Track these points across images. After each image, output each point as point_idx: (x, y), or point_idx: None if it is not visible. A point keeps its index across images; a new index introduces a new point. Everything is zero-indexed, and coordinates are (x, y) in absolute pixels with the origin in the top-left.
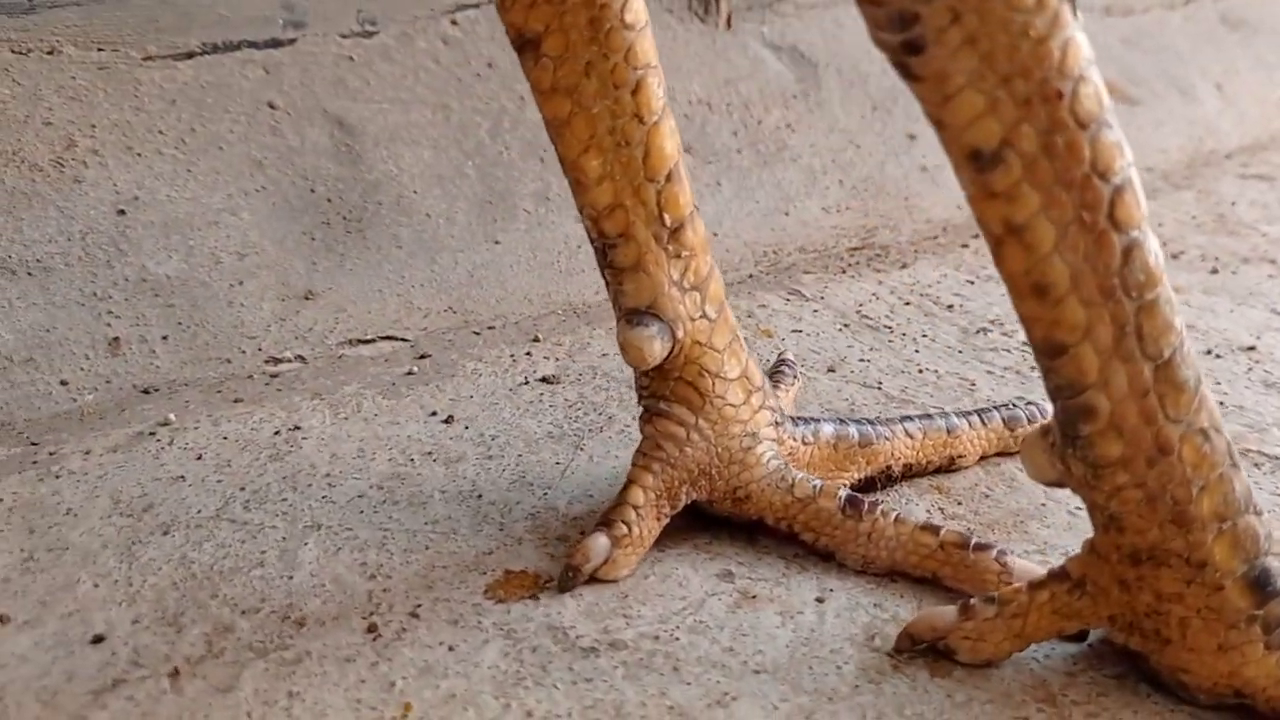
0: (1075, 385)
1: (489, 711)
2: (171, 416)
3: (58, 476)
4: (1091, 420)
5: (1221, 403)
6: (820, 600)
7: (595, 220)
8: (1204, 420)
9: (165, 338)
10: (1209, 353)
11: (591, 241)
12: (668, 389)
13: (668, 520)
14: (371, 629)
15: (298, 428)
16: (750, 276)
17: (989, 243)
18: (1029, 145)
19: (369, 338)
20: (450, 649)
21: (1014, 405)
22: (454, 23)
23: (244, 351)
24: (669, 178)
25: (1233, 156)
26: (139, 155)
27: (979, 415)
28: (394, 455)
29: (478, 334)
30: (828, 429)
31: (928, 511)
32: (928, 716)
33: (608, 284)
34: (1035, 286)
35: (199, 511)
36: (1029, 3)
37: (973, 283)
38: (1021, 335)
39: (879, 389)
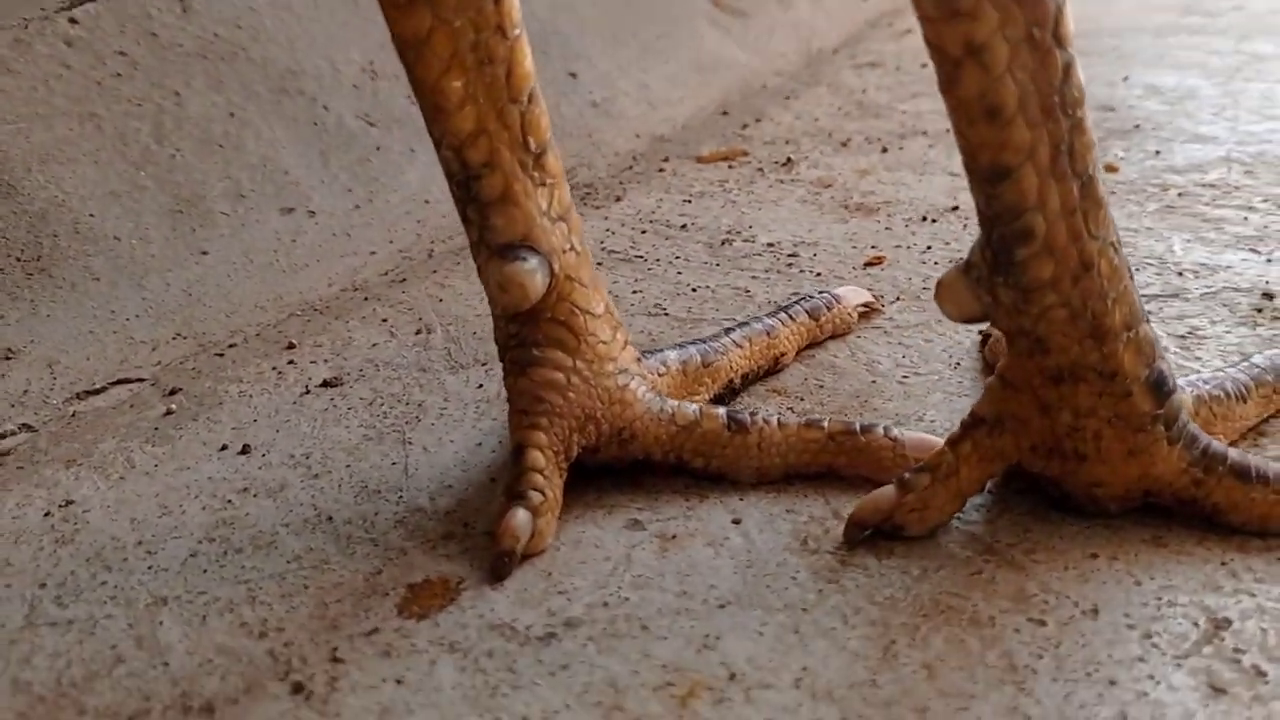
0: (1016, 208)
1: None
2: None
3: None
4: (1028, 242)
5: (955, 258)
6: (737, 521)
7: (457, 150)
8: (1113, 234)
9: None
10: (924, 219)
11: (450, 176)
12: (540, 333)
13: (565, 475)
14: (297, 689)
15: (70, 502)
16: None
17: (945, 69)
18: None
19: (99, 386)
20: (398, 682)
21: (810, 297)
22: (73, 21)
23: None
24: (531, 97)
25: (839, 51)
26: None
27: (785, 312)
28: (205, 502)
29: (221, 355)
30: (673, 356)
31: (779, 414)
32: (898, 597)
33: (470, 222)
34: (988, 109)
35: (3, 626)
36: None
37: (689, 201)
38: (762, 238)
39: (666, 314)
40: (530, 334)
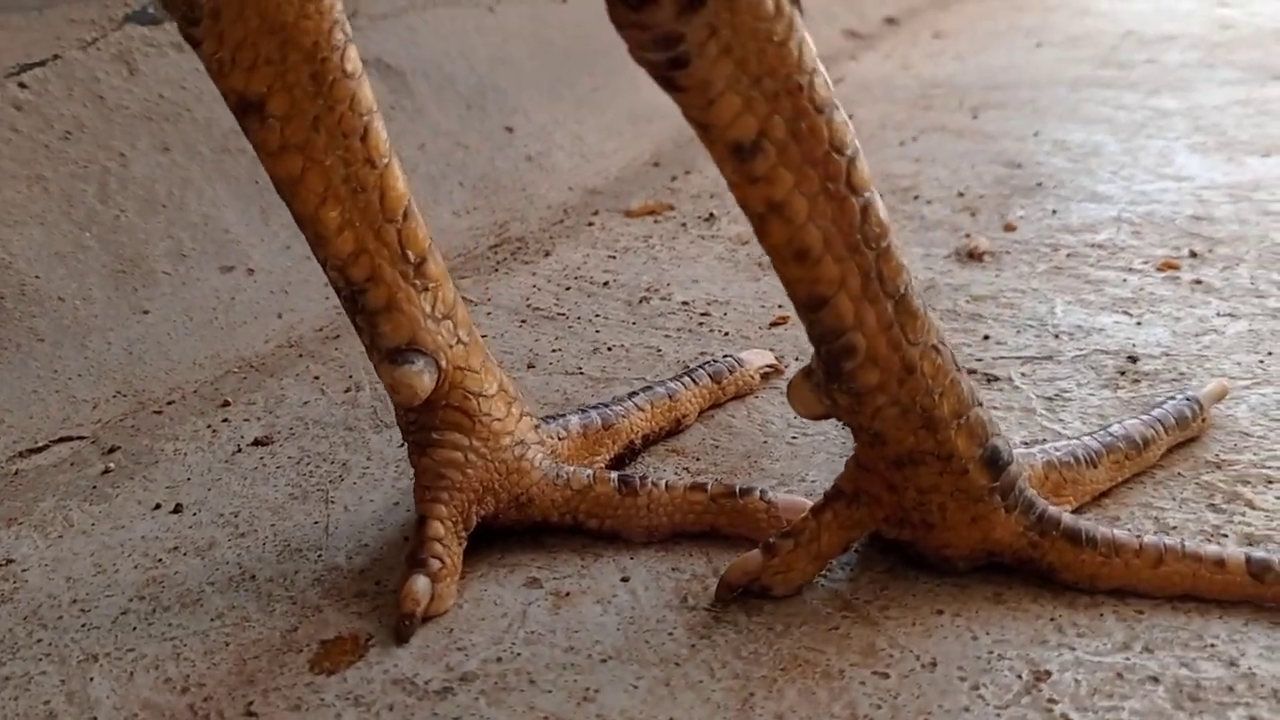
0: (836, 330)
1: None
2: None
3: None
4: (852, 357)
5: None
6: (625, 579)
7: (341, 269)
8: (933, 338)
9: None
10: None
11: (338, 291)
12: (437, 419)
13: (465, 542)
14: None
15: (9, 561)
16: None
17: (752, 221)
18: (780, 133)
19: (41, 444)
20: None
21: (714, 361)
22: (22, 85)
23: None
24: (405, 215)
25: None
26: None
27: (689, 376)
28: (138, 561)
29: (159, 412)
30: (574, 420)
31: (675, 473)
32: (761, 651)
33: (361, 330)
34: (796, 253)
35: None
36: (770, 11)
37: (614, 257)
38: (679, 296)
39: (581, 374)
40: (428, 419)
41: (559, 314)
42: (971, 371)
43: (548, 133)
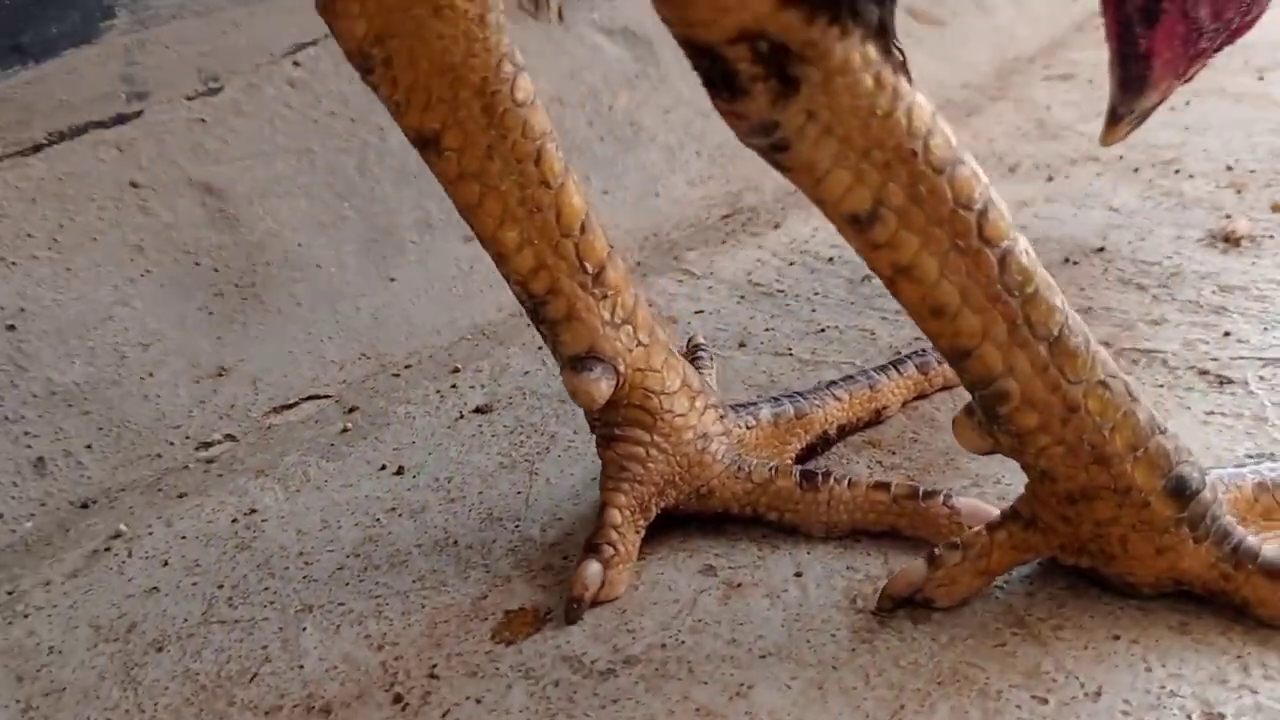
0: (986, 378)
1: None
2: (122, 527)
3: (26, 615)
4: (1006, 401)
5: (1089, 308)
6: (798, 575)
7: (522, 284)
8: (1099, 373)
9: (89, 446)
10: (1066, 260)
11: (522, 302)
12: (619, 416)
13: (644, 532)
14: (397, 699)
15: (253, 511)
16: (639, 264)
17: (883, 282)
18: (898, 200)
19: (292, 401)
20: (477, 701)
21: (924, 352)
22: (296, 64)
23: (172, 443)
24: (583, 229)
25: (1035, 60)
26: (14, 265)
27: (894, 366)
28: (359, 519)
29: (397, 375)
30: (765, 410)
31: (868, 467)
32: (921, 662)
33: (545, 337)
34: (932, 310)
35: (184, 620)
36: (869, 88)
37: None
38: None
39: (790, 355)
40: (611, 417)
41: (778, 290)
42: (1203, 373)
43: (617, 173)
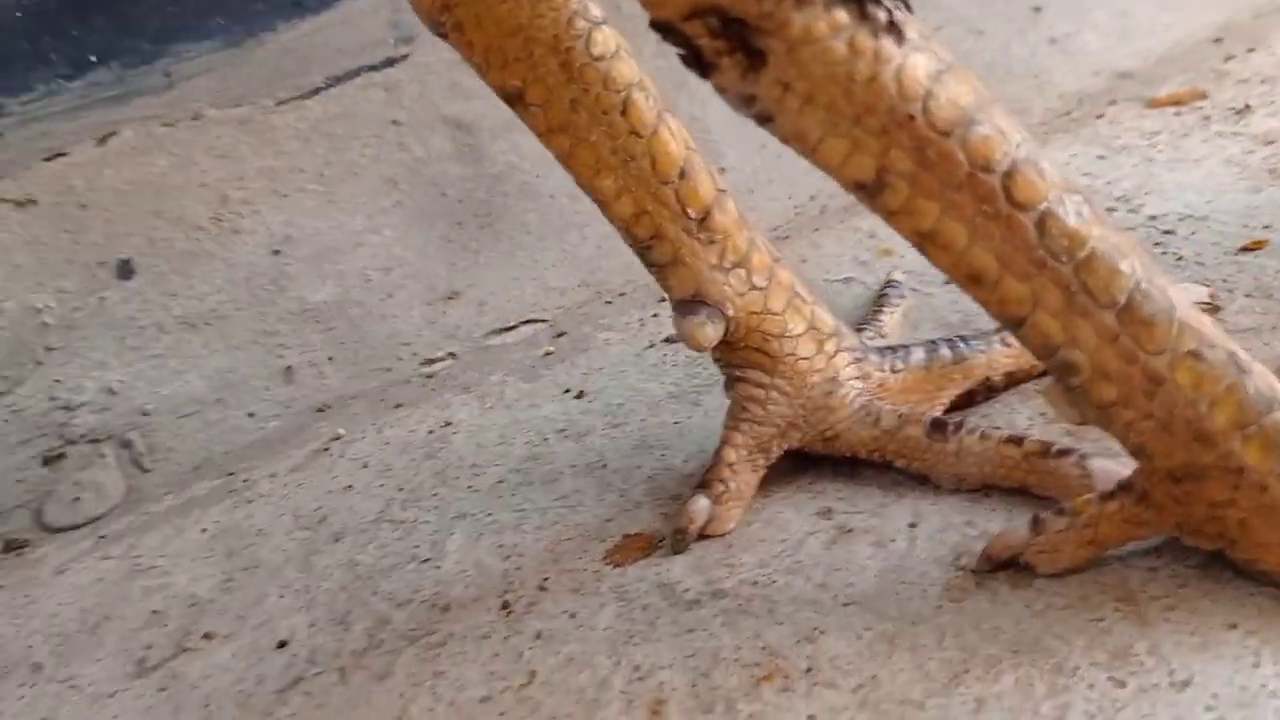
0: (1047, 347)
1: (601, 670)
2: (342, 430)
3: (250, 501)
4: (1075, 373)
5: None
6: (913, 525)
7: (627, 229)
8: (1190, 343)
9: (331, 359)
10: None
11: (630, 246)
12: (739, 358)
13: (764, 471)
14: (505, 606)
15: (449, 424)
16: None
17: (916, 247)
18: (905, 165)
19: (511, 324)
20: (571, 616)
21: None
22: None
23: (401, 358)
24: (682, 175)
25: None
26: (285, 196)
27: None
28: (531, 438)
29: (610, 303)
30: (918, 354)
31: (1029, 419)
32: (1004, 628)
33: (657, 280)
34: (969, 277)
35: (364, 517)
36: (842, 54)
37: (1104, 157)
38: (1151, 208)
39: None
40: (731, 359)
41: None
42: None
43: (1084, 9)
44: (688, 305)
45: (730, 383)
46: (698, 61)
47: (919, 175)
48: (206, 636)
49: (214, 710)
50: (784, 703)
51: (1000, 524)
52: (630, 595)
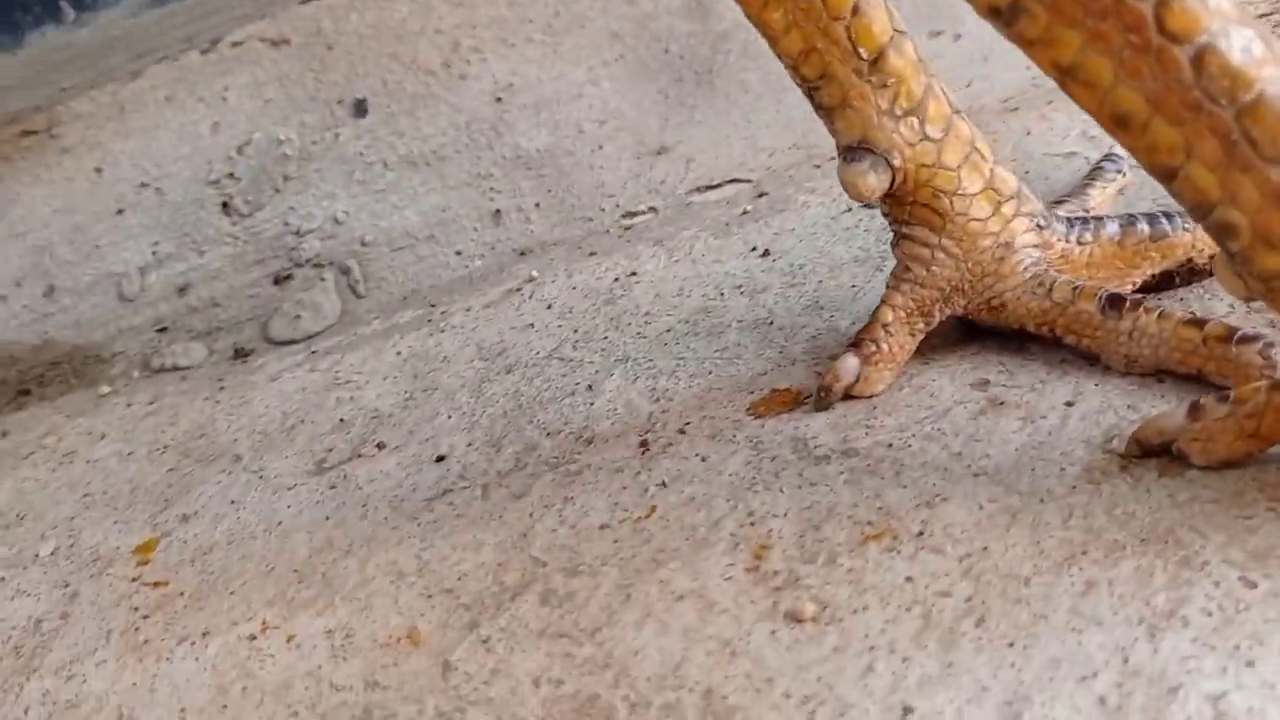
0: (1202, 205)
1: (717, 512)
2: (535, 273)
3: (442, 331)
4: (1235, 237)
5: None
6: (1070, 404)
7: (794, 67)
8: None
9: (538, 205)
10: None
11: (799, 86)
12: (906, 213)
13: (922, 335)
14: (644, 444)
15: (634, 274)
16: None
17: (1058, 85)
18: None
19: (715, 183)
20: (703, 459)
21: None
22: None
23: (603, 209)
24: (855, 10)
25: None
26: (513, 46)
27: None
28: (708, 291)
29: (818, 167)
30: (1111, 227)
31: (1231, 306)
32: (1139, 515)
33: (825, 124)
34: (1115, 119)
35: (537, 353)
36: None
37: None
38: None
39: None
40: (899, 214)
41: None
42: None
43: None
44: (853, 151)
45: (897, 239)
46: None
47: (1061, 1)
48: (379, 445)
49: (369, 510)
50: (886, 561)
51: (1163, 410)
52: (763, 445)
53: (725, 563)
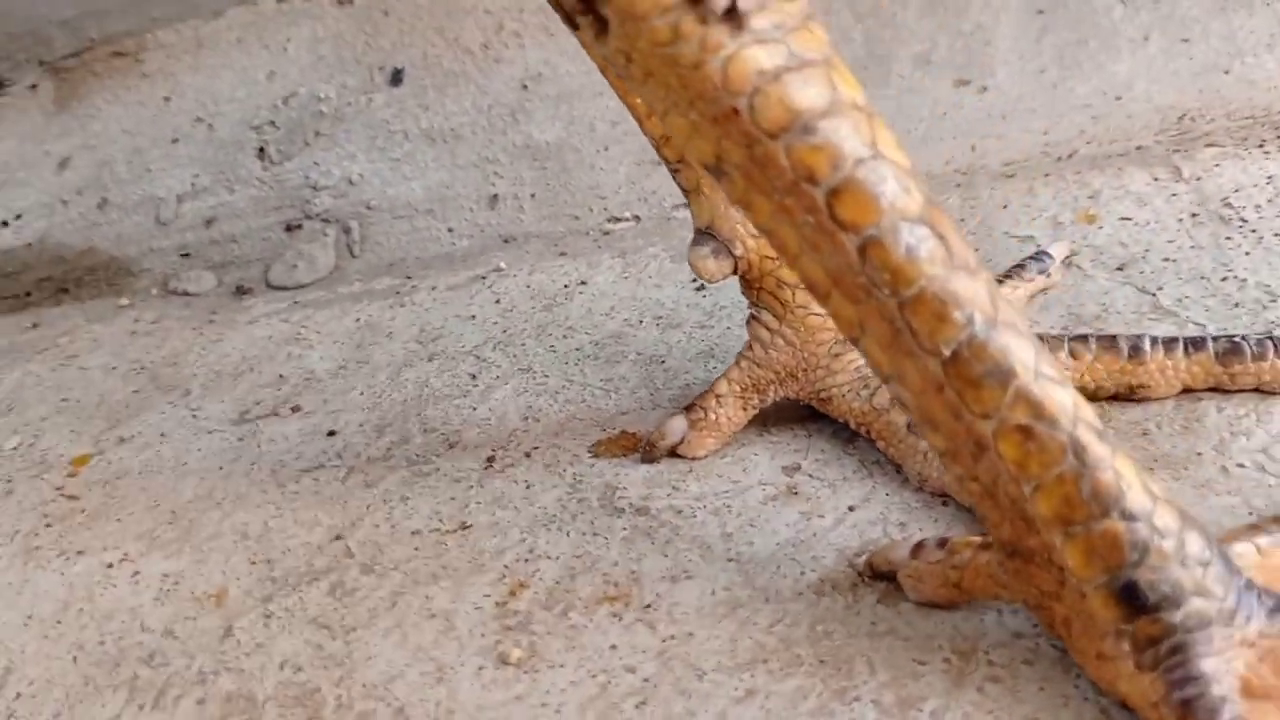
0: (880, 374)
1: (508, 541)
2: (503, 264)
3: (402, 305)
4: (906, 410)
5: None
6: (851, 509)
7: (657, 148)
8: (1022, 417)
9: (533, 196)
10: None
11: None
12: (755, 296)
13: (755, 411)
14: (490, 460)
15: (585, 283)
16: (1136, 149)
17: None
18: (738, 157)
19: None
20: (527, 487)
21: (1241, 337)
22: None
23: (591, 210)
24: None
25: None
26: (552, 35)
27: (1187, 342)
28: (630, 316)
29: None
30: None
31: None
32: (835, 635)
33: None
34: (805, 282)
35: (463, 346)
36: (665, 36)
37: None
38: None
39: (1153, 296)
40: (749, 295)
41: (1240, 220)
42: None
43: None
44: (701, 235)
45: (749, 318)
46: (567, 17)
47: (751, 171)
48: (294, 409)
49: (254, 469)
50: (606, 625)
51: (932, 534)
52: (580, 486)
53: (484, 593)
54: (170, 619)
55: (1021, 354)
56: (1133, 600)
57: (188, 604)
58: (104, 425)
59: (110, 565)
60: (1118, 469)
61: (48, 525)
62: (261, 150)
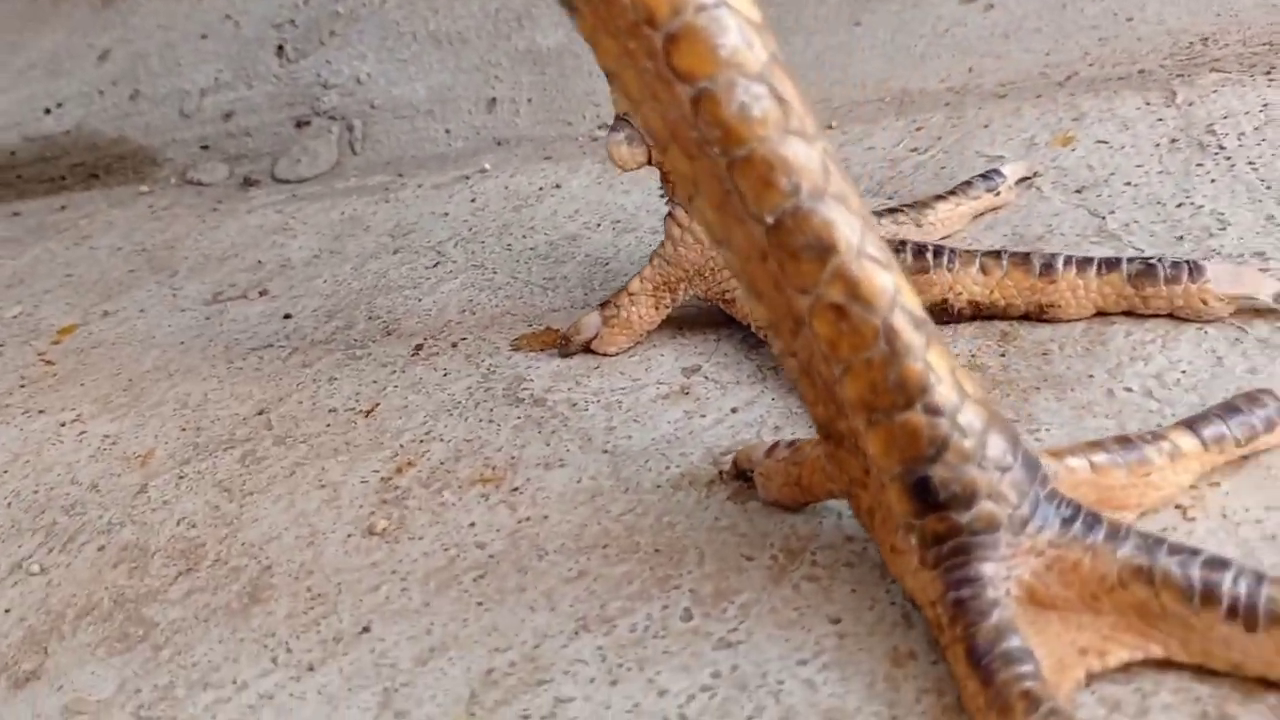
0: (711, 237)
1: (410, 423)
2: (488, 166)
3: (387, 202)
4: (735, 277)
5: None
6: (735, 410)
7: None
8: (838, 295)
9: (530, 100)
10: None
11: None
12: (670, 193)
13: (668, 310)
14: (418, 349)
15: (559, 186)
16: (1138, 72)
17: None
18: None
19: None
20: (443, 375)
21: (1156, 259)
22: None
23: (584, 117)
24: None
25: None
26: None
27: (1100, 263)
28: (590, 220)
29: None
30: None
31: (971, 354)
32: (676, 527)
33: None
34: (647, 130)
35: (428, 242)
36: None
37: None
38: None
39: (1102, 219)
40: (666, 191)
41: (1219, 148)
42: None
43: None
44: (619, 121)
45: (666, 214)
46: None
47: (598, 7)
48: (262, 292)
49: (210, 344)
50: (471, 504)
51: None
52: (492, 376)
53: (374, 468)
54: (98, 475)
55: (846, 231)
56: (924, 495)
57: (117, 462)
58: (95, 300)
59: (63, 424)
60: (929, 361)
61: (22, 386)
62: (280, 48)
